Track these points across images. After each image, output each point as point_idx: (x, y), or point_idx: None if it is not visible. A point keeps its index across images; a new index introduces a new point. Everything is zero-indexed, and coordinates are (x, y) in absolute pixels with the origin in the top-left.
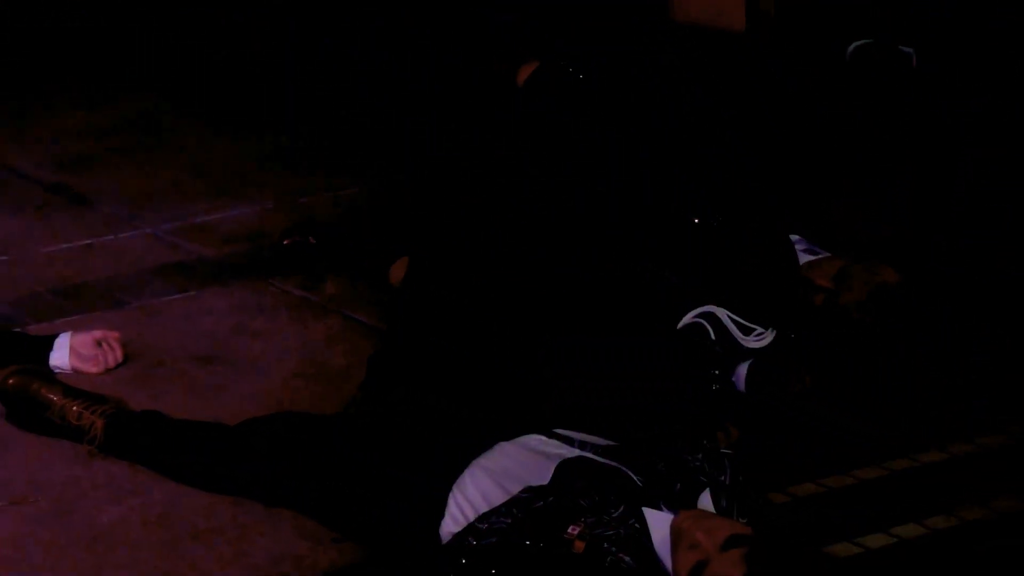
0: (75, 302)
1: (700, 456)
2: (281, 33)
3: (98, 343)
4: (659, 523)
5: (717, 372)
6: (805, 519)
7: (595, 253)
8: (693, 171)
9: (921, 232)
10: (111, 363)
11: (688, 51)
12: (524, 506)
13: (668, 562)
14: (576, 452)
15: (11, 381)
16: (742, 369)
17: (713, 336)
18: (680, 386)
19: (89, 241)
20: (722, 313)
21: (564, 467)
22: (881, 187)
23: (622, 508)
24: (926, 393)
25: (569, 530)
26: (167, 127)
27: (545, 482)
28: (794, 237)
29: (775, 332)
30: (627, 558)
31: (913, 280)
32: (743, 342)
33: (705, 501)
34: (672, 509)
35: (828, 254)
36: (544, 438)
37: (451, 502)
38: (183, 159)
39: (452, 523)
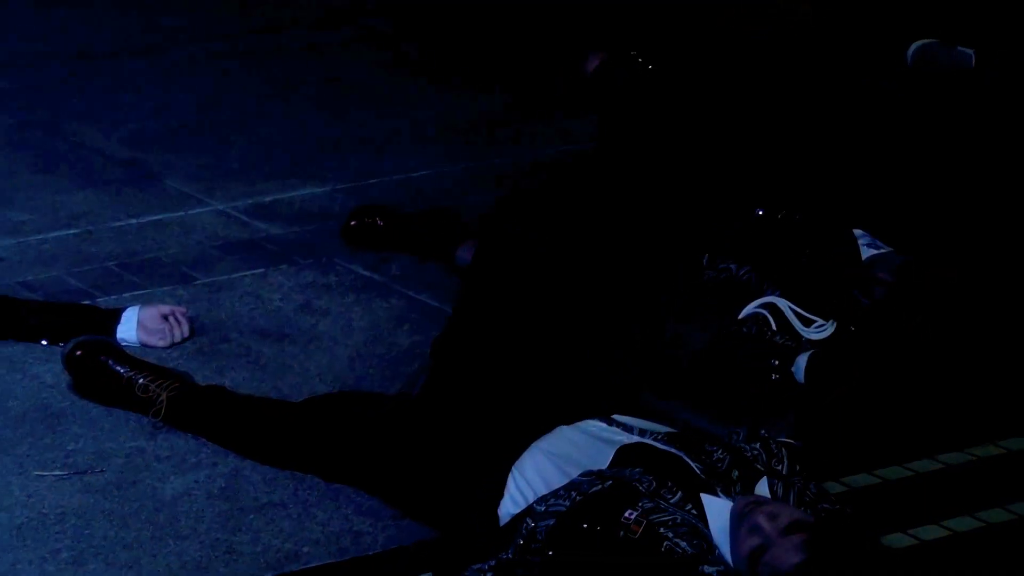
0: (144, 277)
1: (757, 445)
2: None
3: (165, 317)
4: (716, 510)
5: (777, 362)
6: (860, 509)
7: (661, 243)
8: (757, 165)
9: (982, 231)
10: (178, 338)
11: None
12: (582, 489)
13: (725, 548)
14: (635, 438)
15: (79, 353)
16: (802, 360)
17: (774, 327)
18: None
19: (159, 217)
20: (783, 304)
21: (623, 452)
22: (944, 185)
23: (679, 494)
24: (981, 388)
25: (626, 514)
26: (241, 107)
27: (604, 467)
28: (858, 232)
29: (835, 324)
30: (683, 543)
31: (973, 277)
32: (803, 333)
33: (762, 489)
34: (729, 497)
35: (891, 249)
36: (604, 424)
37: (511, 483)
38: (254, 138)
39: (511, 504)
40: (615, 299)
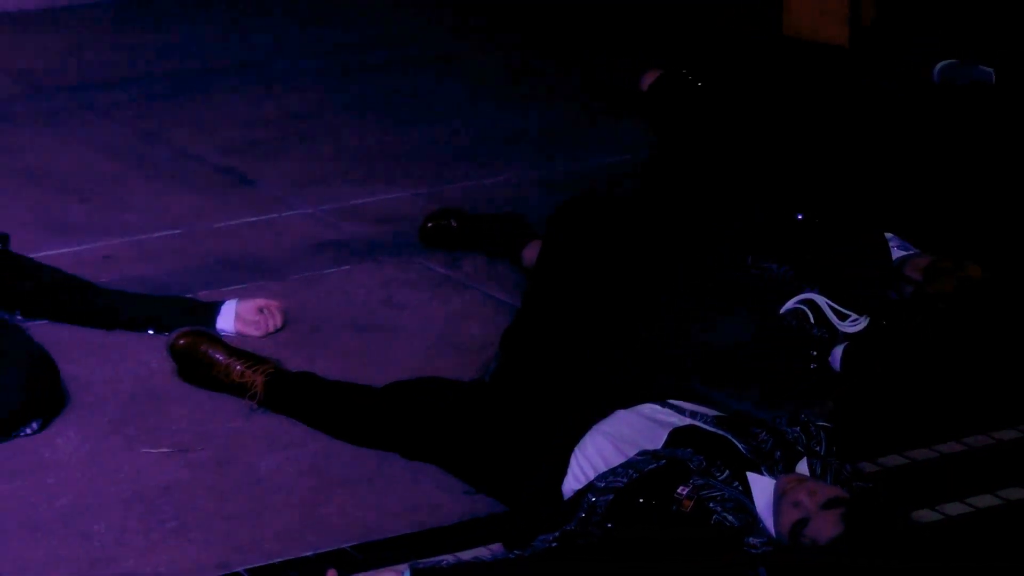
0: (241, 273)
1: (798, 428)
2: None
3: (260, 310)
4: (761, 487)
5: (815, 353)
6: (891, 487)
7: (709, 245)
8: (797, 172)
9: (1003, 233)
10: (271, 328)
11: (794, 63)
12: (639, 467)
13: (768, 522)
14: (687, 421)
15: (182, 342)
16: (838, 351)
17: (812, 320)
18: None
19: (255, 219)
20: (821, 300)
21: (676, 434)
22: (967, 192)
23: (727, 472)
24: (1002, 377)
25: (679, 490)
26: (328, 118)
27: (658, 447)
28: (888, 235)
29: (868, 319)
30: (730, 517)
31: (996, 277)
32: (839, 327)
33: (802, 468)
34: (772, 475)
35: (919, 251)
36: (658, 407)
37: (573, 462)
38: (341, 147)
39: (573, 481)
40: (665, 294)
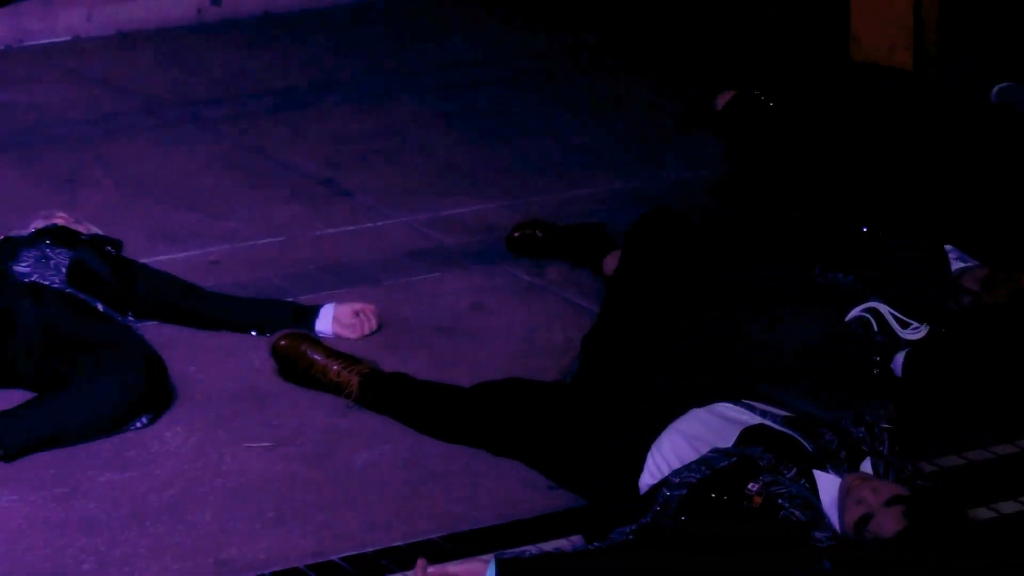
0: (338, 278)
1: (863, 429)
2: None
3: (356, 313)
4: (826, 484)
5: (878, 358)
6: (949, 486)
7: (781, 256)
8: (862, 188)
9: None
10: (367, 331)
11: (862, 85)
12: (711, 464)
13: (833, 518)
14: (758, 420)
15: (283, 343)
16: (899, 357)
17: (876, 328)
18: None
19: (352, 228)
20: (884, 309)
21: (747, 433)
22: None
23: (795, 470)
24: None
25: (749, 486)
26: (423, 133)
27: (730, 445)
28: (948, 247)
29: (928, 327)
30: (797, 512)
31: None
32: (901, 334)
33: (866, 467)
34: (838, 473)
35: (977, 262)
36: (730, 406)
37: (649, 459)
38: (434, 161)
39: (649, 477)
40: (742, 303)
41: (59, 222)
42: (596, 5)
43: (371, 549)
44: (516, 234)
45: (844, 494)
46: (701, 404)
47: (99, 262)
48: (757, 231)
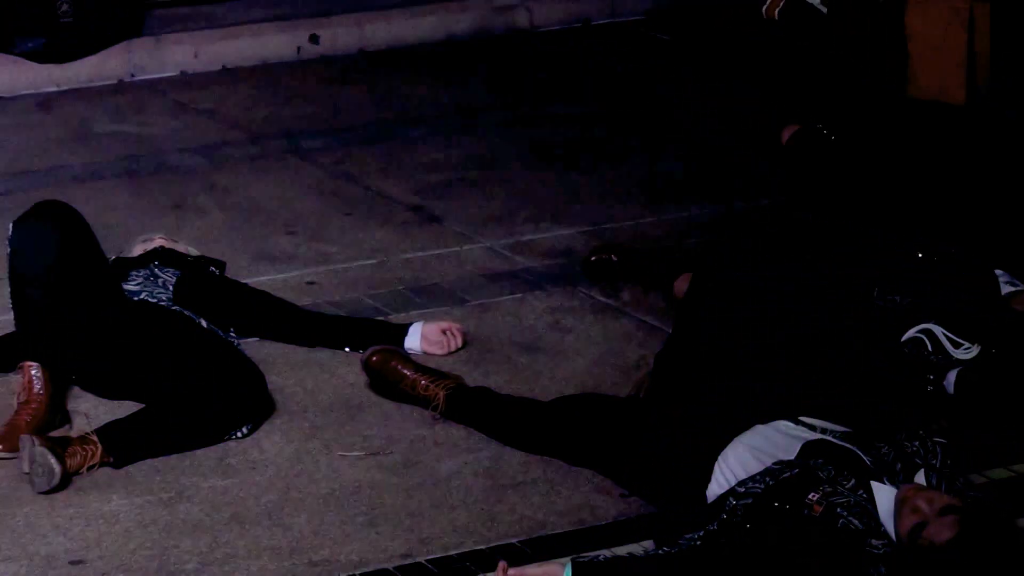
0: (427, 298)
1: (916, 443)
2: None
3: (443, 332)
4: (883, 495)
5: (932, 377)
6: (999, 497)
7: (841, 281)
8: (919, 216)
9: None
10: (453, 348)
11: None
12: (775, 475)
13: (889, 526)
14: (817, 436)
15: (374, 358)
16: (952, 375)
17: (930, 348)
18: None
19: (439, 251)
20: (938, 330)
21: (808, 447)
22: None
23: (853, 481)
24: None
25: (810, 496)
26: (507, 163)
27: (792, 458)
28: (998, 271)
29: (979, 347)
30: (855, 521)
31: None
32: (954, 354)
33: (920, 479)
34: (894, 484)
35: None
36: (792, 424)
37: (717, 470)
38: (515, 190)
39: (716, 486)
40: (801, 326)
41: (163, 243)
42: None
43: (455, 552)
44: (592, 258)
45: (899, 504)
46: (764, 421)
47: (203, 282)
48: (818, 243)
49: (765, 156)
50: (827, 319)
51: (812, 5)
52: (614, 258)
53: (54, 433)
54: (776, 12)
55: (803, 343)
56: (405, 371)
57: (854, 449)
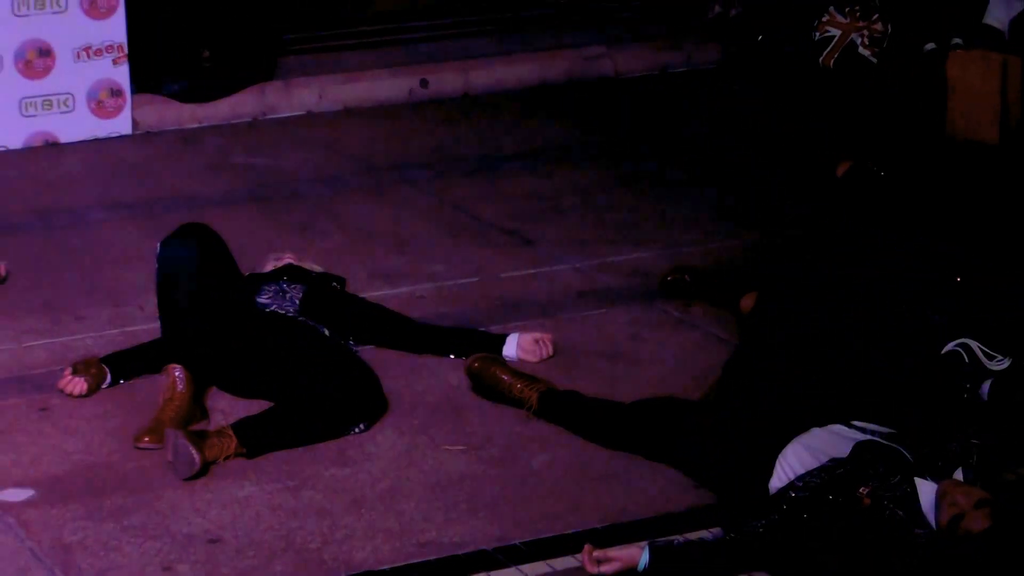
0: (522, 312)
1: (955, 444)
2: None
3: (536, 341)
4: (926, 490)
5: (968, 386)
6: None
7: (885, 301)
8: (957, 245)
9: None
10: (544, 356)
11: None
12: (829, 472)
13: (931, 517)
14: (867, 436)
15: (476, 364)
16: (986, 385)
17: (966, 360)
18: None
19: (533, 271)
20: (973, 344)
21: (859, 447)
22: None
23: (899, 477)
24: None
25: (860, 490)
26: (594, 193)
27: (844, 456)
28: None
29: (1011, 359)
30: (900, 512)
31: None
32: (988, 365)
33: (958, 476)
34: (935, 480)
35: None
36: (844, 427)
37: (777, 467)
38: (602, 216)
39: (777, 481)
40: (848, 344)
41: (291, 261)
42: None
43: (546, 535)
44: (668, 278)
45: (939, 497)
46: (820, 424)
47: (326, 296)
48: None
49: (816, 188)
50: (878, 329)
51: (863, 56)
52: (687, 278)
53: (195, 427)
54: (832, 61)
55: (854, 354)
56: (503, 376)
57: (900, 449)
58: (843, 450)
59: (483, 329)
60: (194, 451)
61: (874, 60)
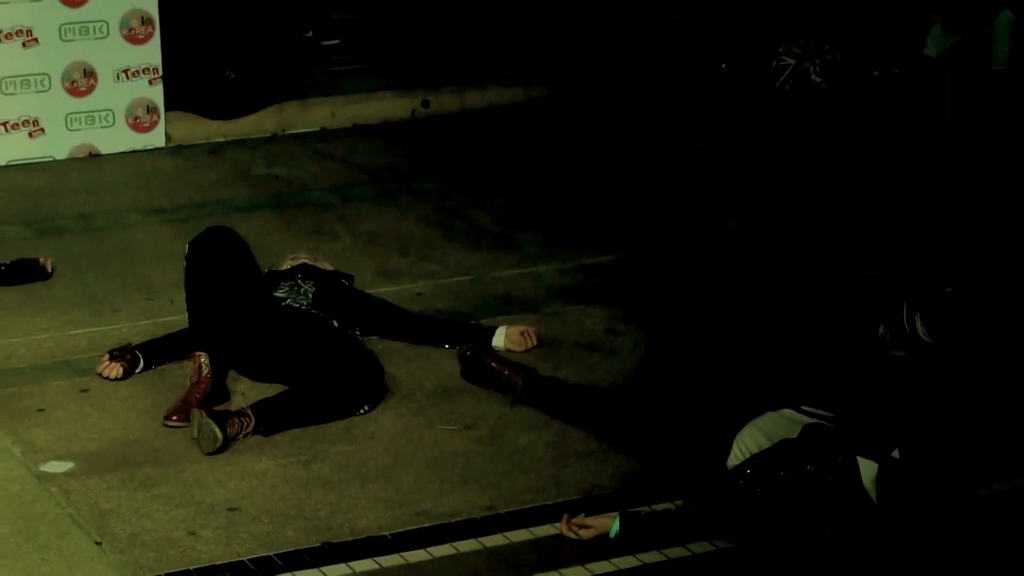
0: (510, 307)
1: (893, 426)
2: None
3: (522, 334)
4: (866, 467)
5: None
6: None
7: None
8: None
9: None
10: (530, 346)
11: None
12: (780, 451)
13: (871, 491)
14: (815, 420)
15: (468, 353)
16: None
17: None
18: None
19: (520, 271)
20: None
21: (807, 429)
22: None
23: (842, 456)
24: None
25: (808, 467)
26: (570, 201)
27: (794, 437)
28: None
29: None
30: (844, 487)
31: None
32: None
33: (895, 454)
34: (874, 459)
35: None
36: (795, 411)
37: (735, 447)
38: (579, 221)
39: (734, 459)
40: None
41: (305, 260)
42: None
43: (529, 506)
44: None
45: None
46: (773, 408)
47: (336, 291)
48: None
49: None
50: (826, 319)
51: (816, 82)
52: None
53: (218, 407)
54: (787, 87)
55: (802, 343)
56: (492, 363)
57: (844, 431)
58: (793, 432)
59: (475, 322)
60: (216, 428)
61: (825, 86)
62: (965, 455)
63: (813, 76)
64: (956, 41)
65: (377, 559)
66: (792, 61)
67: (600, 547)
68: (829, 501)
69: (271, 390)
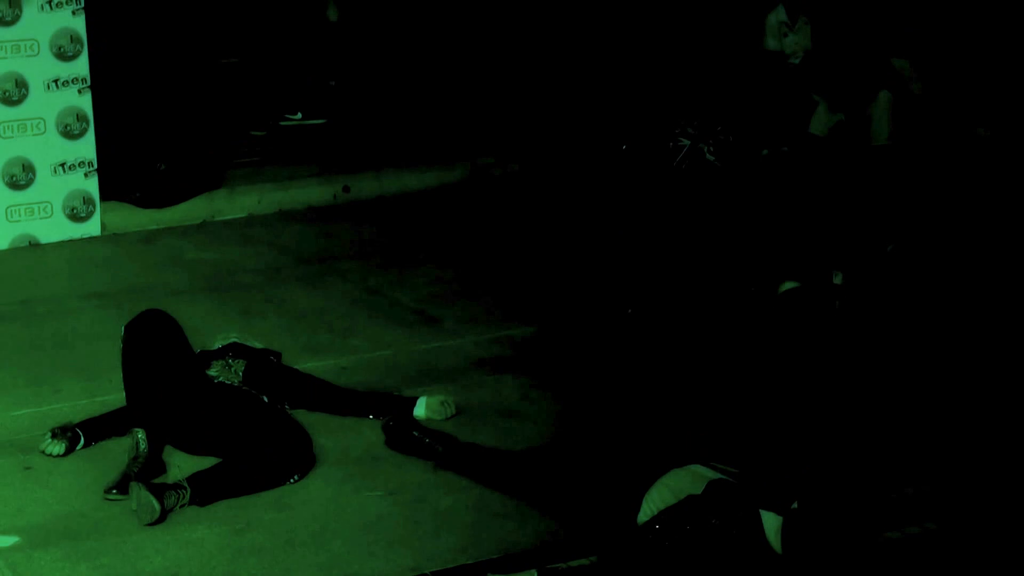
0: (429, 378)
1: (789, 479)
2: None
3: (442, 403)
4: (769, 520)
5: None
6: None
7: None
8: None
9: None
10: (449, 415)
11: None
12: (686, 507)
13: (774, 542)
14: (719, 476)
15: (391, 423)
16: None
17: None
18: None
19: (438, 344)
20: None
21: (712, 485)
22: None
23: (744, 510)
24: None
25: (712, 521)
26: (483, 279)
27: (699, 493)
28: None
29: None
30: (747, 539)
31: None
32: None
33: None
34: (775, 512)
35: None
36: (702, 467)
37: (644, 503)
38: (496, 299)
39: (643, 515)
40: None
41: (235, 340)
42: None
43: (452, 566)
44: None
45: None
46: (680, 465)
47: (266, 368)
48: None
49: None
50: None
51: (710, 161)
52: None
53: (155, 480)
54: (684, 166)
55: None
56: (414, 432)
57: (747, 486)
58: (698, 488)
59: (397, 392)
60: (154, 500)
61: (719, 164)
62: (862, 503)
63: (707, 155)
64: (839, 120)
65: None
66: (688, 142)
67: None
68: (734, 553)
69: (206, 462)
